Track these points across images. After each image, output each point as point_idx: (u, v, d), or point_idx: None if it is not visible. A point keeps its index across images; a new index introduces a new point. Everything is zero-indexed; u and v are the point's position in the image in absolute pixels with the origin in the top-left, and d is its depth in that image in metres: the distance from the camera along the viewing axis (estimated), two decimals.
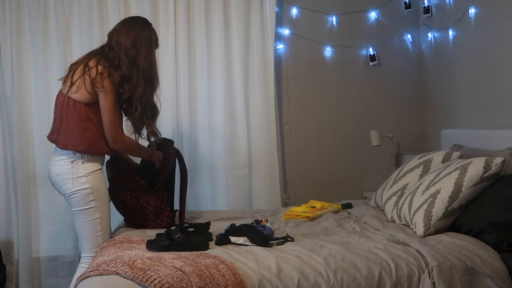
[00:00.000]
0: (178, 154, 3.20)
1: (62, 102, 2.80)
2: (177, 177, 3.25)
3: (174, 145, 3.24)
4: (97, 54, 2.83)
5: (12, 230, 3.69)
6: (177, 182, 3.25)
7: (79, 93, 2.75)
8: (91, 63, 2.76)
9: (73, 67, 2.84)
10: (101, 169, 2.85)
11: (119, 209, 3.05)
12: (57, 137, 2.83)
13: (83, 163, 2.76)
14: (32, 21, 3.69)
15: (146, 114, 2.86)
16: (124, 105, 2.86)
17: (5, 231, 3.68)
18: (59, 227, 3.76)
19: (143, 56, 2.81)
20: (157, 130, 3.00)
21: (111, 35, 2.87)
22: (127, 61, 2.77)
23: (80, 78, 2.75)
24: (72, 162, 2.75)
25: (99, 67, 2.75)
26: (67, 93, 2.78)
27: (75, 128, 2.75)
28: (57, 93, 2.90)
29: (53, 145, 2.90)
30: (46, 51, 3.73)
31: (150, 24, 2.93)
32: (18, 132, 3.67)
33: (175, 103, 3.85)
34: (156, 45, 2.95)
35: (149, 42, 2.86)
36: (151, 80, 2.86)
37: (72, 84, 2.76)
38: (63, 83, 2.84)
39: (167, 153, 3.10)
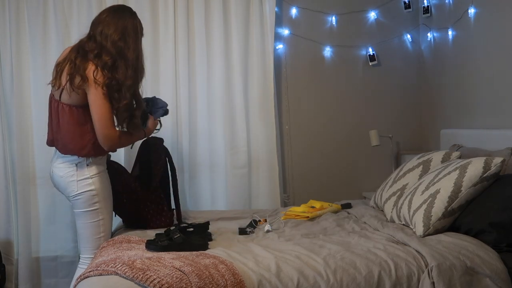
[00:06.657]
0: (166, 153, 3.17)
1: (57, 108, 2.74)
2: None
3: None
4: (78, 49, 2.72)
5: (11, 230, 3.69)
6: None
7: (71, 98, 2.67)
8: (78, 62, 2.66)
9: (59, 67, 2.74)
10: (105, 169, 2.84)
11: (117, 212, 3.04)
12: (57, 144, 2.79)
13: (87, 165, 2.74)
14: (31, 21, 3.68)
15: (132, 104, 2.78)
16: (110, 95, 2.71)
17: (4, 231, 3.68)
18: (58, 227, 3.75)
19: (132, 48, 2.74)
20: (140, 122, 2.88)
21: (95, 26, 2.76)
22: (114, 52, 2.68)
23: (67, 82, 2.66)
24: (76, 164, 2.73)
25: (83, 65, 2.64)
26: (59, 99, 2.71)
27: (74, 133, 2.71)
28: (49, 97, 2.82)
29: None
30: (45, 51, 3.71)
31: (135, 13, 2.86)
32: (18, 132, 3.67)
33: (174, 103, 3.84)
34: (142, 34, 2.88)
35: (136, 33, 2.79)
36: (137, 70, 2.78)
37: (62, 88, 2.69)
38: (52, 86, 2.76)
39: (157, 152, 3.09)
